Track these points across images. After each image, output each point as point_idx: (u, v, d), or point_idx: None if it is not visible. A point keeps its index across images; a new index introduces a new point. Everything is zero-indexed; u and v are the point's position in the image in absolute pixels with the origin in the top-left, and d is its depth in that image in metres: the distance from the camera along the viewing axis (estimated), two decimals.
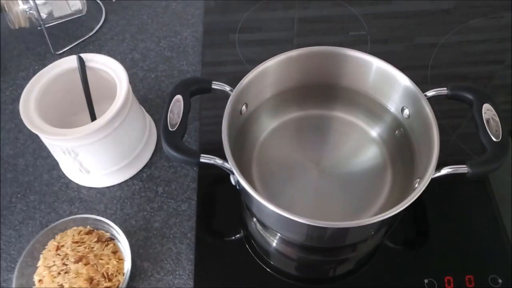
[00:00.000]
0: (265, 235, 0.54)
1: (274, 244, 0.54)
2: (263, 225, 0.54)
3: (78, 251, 0.49)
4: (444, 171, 0.44)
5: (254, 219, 0.55)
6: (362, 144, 0.55)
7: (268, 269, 0.52)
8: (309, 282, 0.53)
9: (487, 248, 0.52)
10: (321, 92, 0.57)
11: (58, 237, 0.51)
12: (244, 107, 0.53)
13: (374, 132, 0.56)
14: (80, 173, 0.56)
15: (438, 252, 0.51)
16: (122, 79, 0.53)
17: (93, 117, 0.57)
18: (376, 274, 0.51)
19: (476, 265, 0.50)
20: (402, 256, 0.52)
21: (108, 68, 0.55)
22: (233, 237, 0.54)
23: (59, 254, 0.50)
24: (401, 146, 0.53)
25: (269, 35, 0.74)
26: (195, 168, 0.59)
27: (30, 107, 0.52)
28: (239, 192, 0.50)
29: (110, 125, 0.51)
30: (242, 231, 0.55)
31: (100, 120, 0.50)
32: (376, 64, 0.52)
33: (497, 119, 0.46)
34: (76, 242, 0.50)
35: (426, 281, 0.49)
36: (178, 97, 0.48)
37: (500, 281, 0.49)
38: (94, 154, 0.54)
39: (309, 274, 0.54)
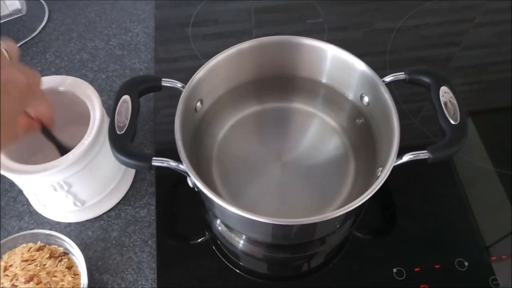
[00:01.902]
0: (231, 236, 0.52)
1: (241, 245, 0.52)
2: (227, 226, 0.52)
3: (29, 270, 0.46)
4: (406, 158, 0.43)
5: (218, 221, 0.52)
6: (323, 135, 0.54)
7: (237, 270, 0.50)
8: (280, 280, 0.52)
9: (454, 232, 0.52)
10: (278, 84, 0.55)
11: (5, 256, 0.48)
12: (199, 104, 0.51)
13: (335, 122, 0.54)
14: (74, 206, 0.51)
15: (406, 239, 0.51)
16: (93, 99, 0.48)
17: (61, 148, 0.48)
18: (345, 266, 0.50)
19: (443, 250, 0.50)
20: (370, 246, 0.52)
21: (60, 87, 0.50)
22: (198, 241, 0.52)
23: (7, 275, 0.46)
24: (363, 134, 0.52)
25: (226, 28, 0.72)
26: (152, 171, 0.56)
27: None
28: (199, 193, 0.48)
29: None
30: (207, 233, 0.53)
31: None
32: (331, 51, 0.50)
33: (454, 101, 0.45)
34: (26, 261, 0.47)
35: (395, 270, 0.48)
36: (126, 97, 0.45)
37: (466, 264, 0.49)
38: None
39: (279, 272, 0.53)
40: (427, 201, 0.54)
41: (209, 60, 0.49)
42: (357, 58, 0.49)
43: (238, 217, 0.42)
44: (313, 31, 0.70)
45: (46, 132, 0.46)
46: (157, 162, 0.43)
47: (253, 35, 0.71)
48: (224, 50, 0.49)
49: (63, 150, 0.47)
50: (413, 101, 0.62)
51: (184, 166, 0.42)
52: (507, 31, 0.71)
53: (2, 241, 0.48)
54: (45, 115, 0.42)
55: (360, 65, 0.49)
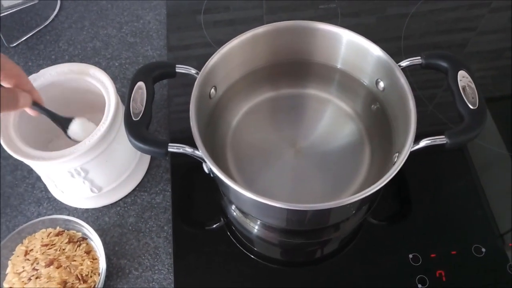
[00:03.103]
0: (245, 221, 0.52)
1: (256, 230, 0.52)
2: (242, 211, 0.52)
3: (49, 254, 0.47)
4: (423, 143, 0.43)
5: (233, 206, 0.53)
6: (338, 121, 0.54)
7: (252, 256, 0.50)
8: (294, 266, 0.52)
9: (470, 217, 0.51)
10: (293, 69, 0.55)
11: (26, 241, 0.49)
12: (213, 90, 0.51)
13: (350, 108, 0.54)
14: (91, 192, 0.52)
15: (421, 225, 0.51)
16: (107, 86, 0.49)
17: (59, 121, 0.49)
18: (360, 252, 0.50)
19: (459, 236, 0.50)
20: (386, 232, 0.52)
21: (73, 75, 0.50)
22: (213, 226, 0.53)
23: (28, 259, 0.47)
24: (378, 120, 0.52)
25: (238, 14, 0.71)
26: (167, 158, 0.57)
27: (12, 137, 0.46)
28: (214, 179, 0.48)
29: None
30: (222, 219, 0.53)
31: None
32: (347, 36, 0.50)
33: (473, 86, 0.44)
34: (46, 245, 0.48)
35: (410, 256, 0.48)
36: (140, 84, 0.45)
37: (483, 250, 0.48)
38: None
39: (293, 257, 0.53)
40: (441, 186, 0.54)
41: (224, 45, 0.49)
42: (372, 43, 0.48)
43: (253, 202, 0.42)
44: (326, 17, 0.69)
45: (37, 105, 0.45)
46: (173, 148, 0.43)
47: (264, 21, 0.70)
48: (239, 35, 0.49)
49: (61, 122, 0.46)
50: (428, 87, 0.61)
51: (200, 152, 0.42)
52: None
53: (21, 227, 0.49)
54: (15, 75, 0.41)
55: (375, 50, 0.48)
